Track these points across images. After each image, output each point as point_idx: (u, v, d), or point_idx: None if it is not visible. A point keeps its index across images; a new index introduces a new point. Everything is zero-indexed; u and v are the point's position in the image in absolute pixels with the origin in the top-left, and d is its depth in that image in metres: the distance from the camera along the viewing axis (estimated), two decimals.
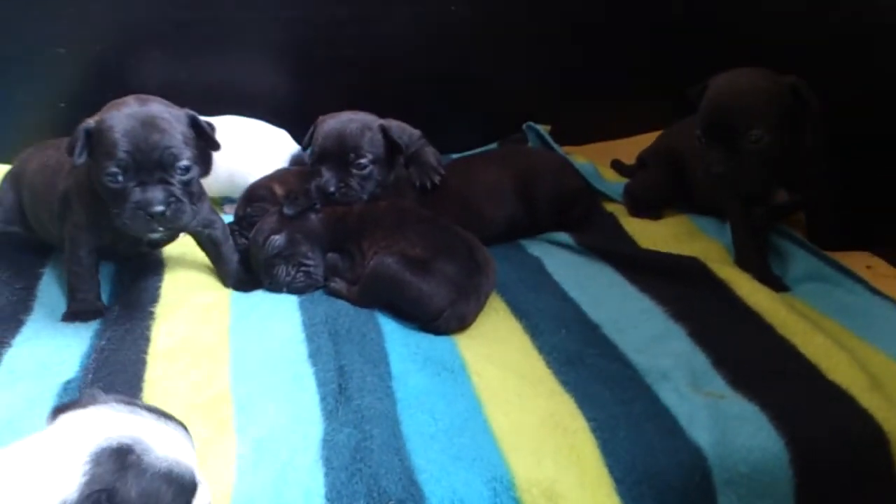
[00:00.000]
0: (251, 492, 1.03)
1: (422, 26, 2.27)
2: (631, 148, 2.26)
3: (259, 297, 1.56)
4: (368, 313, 1.47)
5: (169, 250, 1.68)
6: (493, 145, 2.33)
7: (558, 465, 1.09)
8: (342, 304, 1.50)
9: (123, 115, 1.33)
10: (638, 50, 2.40)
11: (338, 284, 1.56)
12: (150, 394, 1.23)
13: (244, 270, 1.62)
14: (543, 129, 2.22)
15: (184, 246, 1.64)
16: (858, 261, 1.66)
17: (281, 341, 1.39)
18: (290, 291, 1.55)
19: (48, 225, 1.57)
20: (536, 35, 2.35)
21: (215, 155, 1.73)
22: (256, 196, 1.72)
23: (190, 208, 1.37)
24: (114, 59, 2.16)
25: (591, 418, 1.19)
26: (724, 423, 1.16)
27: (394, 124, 1.79)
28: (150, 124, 1.33)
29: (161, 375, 1.28)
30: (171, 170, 1.34)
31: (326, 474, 1.06)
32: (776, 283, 1.57)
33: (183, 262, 1.67)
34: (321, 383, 1.26)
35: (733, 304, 1.49)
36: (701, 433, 1.14)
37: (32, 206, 1.61)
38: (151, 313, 1.47)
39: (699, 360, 1.33)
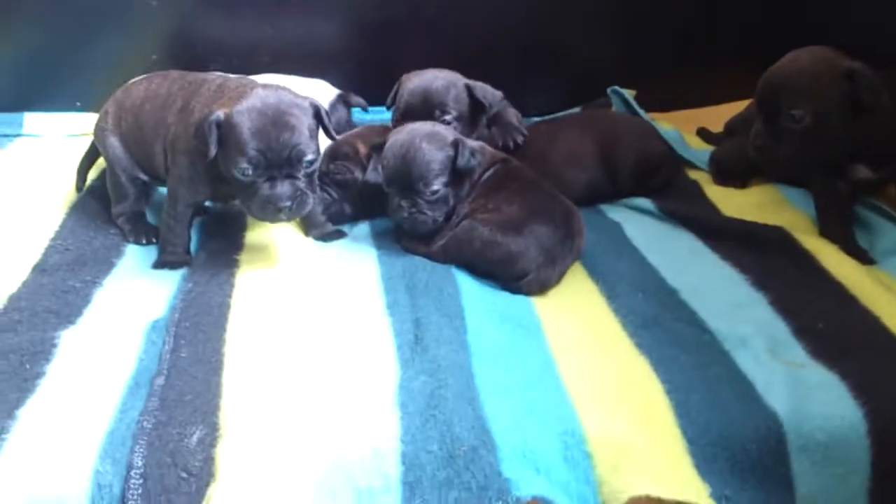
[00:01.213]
0: (330, 429, 1.06)
1: None
2: (717, 116, 2.22)
3: (340, 248, 1.59)
4: (446, 269, 1.49)
5: None
6: (576, 110, 2.32)
7: (630, 423, 1.10)
8: (420, 260, 1.52)
9: (255, 112, 1.37)
10: (727, 18, 2.34)
11: (412, 242, 1.57)
12: (232, 334, 1.28)
13: (327, 222, 1.66)
14: (629, 93, 2.19)
15: None
16: None
17: (359, 292, 1.42)
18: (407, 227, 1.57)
19: (154, 159, 1.59)
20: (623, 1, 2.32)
21: None
22: (340, 153, 1.74)
23: (312, 198, 1.43)
24: (202, 13, 2.22)
25: (665, 380, 1.18)
26: (802, 390, 1.14)
27: (478, 84, 1.80)
28: (281, 123, 1.37)
29: (245, 319, 1.33)
30: (299, 165, 1.39)
31: (402, 418, 1.08)
32: (861, 256, 1.54)
33: None
34: (398, 333, 1.29)
35: (817, 275, 1.46)
36: (778, 399, 1.13)
37: (138, 132, 1.61)
38: (236, 260, 1.52)
39: (779, 328, 1.31)
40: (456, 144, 1.53)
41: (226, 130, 1.37)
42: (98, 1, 2.15)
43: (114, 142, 1.64)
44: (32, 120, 2.18)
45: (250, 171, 1.37)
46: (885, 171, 1.62)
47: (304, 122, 1.40)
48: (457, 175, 1.55)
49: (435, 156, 1.52)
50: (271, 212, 1.40)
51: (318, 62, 2.24)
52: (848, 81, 1.49)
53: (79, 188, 1.80)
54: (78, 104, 2.23)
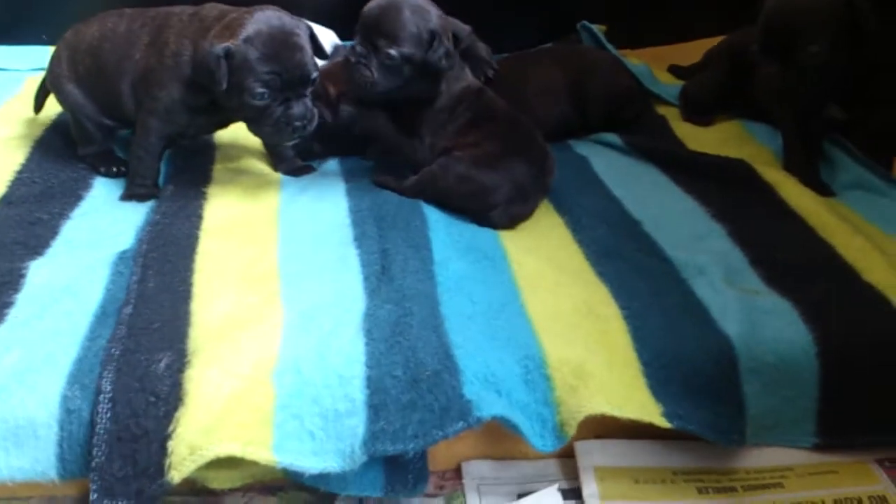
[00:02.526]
0: (296, 355, 1.08)
1: None
2: (688, 53, 2.23)
3: (308, 182, 1.61)
4: (414, 203, 1.50)
5: (220, 134, 1.71)
6: (548, 45, 2.31)
7: (588, 347, 1.13)
8: (389, 194, 1.53)
9: (265, 37, 1.39)
10: None
11: (384, 177, 1.58)
12: (201, 265, 1.29)
13: (296, 157, 1.67)
14: (599, 29, 2.19)
15: (235, 131, 1.66)
16: None
17: (327, 225, 1.44)
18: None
19: (120, 99, 1.56)
20: None
21: None
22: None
23: (316, 113, 1.47)
24: None
25: (624, 307, 1.22)
26: (755, 315, 1.18)
27: (447, 17, 1.79)
28: (291, 44, 1.41)
29: (213, 249, 1.34)
30: (308, 83, 1.43)
31: (367, 344, 1.10)
32: (822, 188, 1.57)
33: (235, 146, 1.72)
34: (365, 264, 1.31)
35: (776, 206, 1.49)
36: (731, 324, 1.16)
37: (98, 74, 1.58)
38: (204, 193, 1.53)
39: (736, 257, 1.35)
40: (433, 35, 1.49)
41: (238, 59, 1.37)
42: None
43: (71, 88, 1.61)
44: None
45: (267, 96, 1.40)
46: (854, 113, 1.64)
47: (307, 41, 1.44)
48: (420, 65, 1.50)
49: (410, 25, 1.47)
50: (287, 132, 1.45)
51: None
52: (847, 9, 1.49)
53: (36, 110, 1.77)
54: (44, 37, 2.19)
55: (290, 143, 1.56)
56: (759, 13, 1.57)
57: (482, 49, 1.84)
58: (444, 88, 1.55)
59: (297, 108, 1.43)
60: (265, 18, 1.40)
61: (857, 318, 1.18)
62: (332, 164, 1.71)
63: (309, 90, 1.45)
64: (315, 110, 1.46)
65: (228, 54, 1.37)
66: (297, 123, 1.43)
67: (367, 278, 1.27)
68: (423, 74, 1.51)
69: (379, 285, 1.25)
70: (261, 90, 1.39)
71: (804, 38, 1.49)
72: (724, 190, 1.55)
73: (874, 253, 1.31)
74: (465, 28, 1.83)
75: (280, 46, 1.39)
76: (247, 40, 1.37)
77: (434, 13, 1.52)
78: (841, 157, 1.66)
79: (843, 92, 1.59)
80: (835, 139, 1.70)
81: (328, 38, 2.03)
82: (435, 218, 1.46)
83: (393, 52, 1.47)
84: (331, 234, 1.41)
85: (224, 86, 1.38)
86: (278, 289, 1.25)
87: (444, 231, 1.43)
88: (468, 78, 1.62)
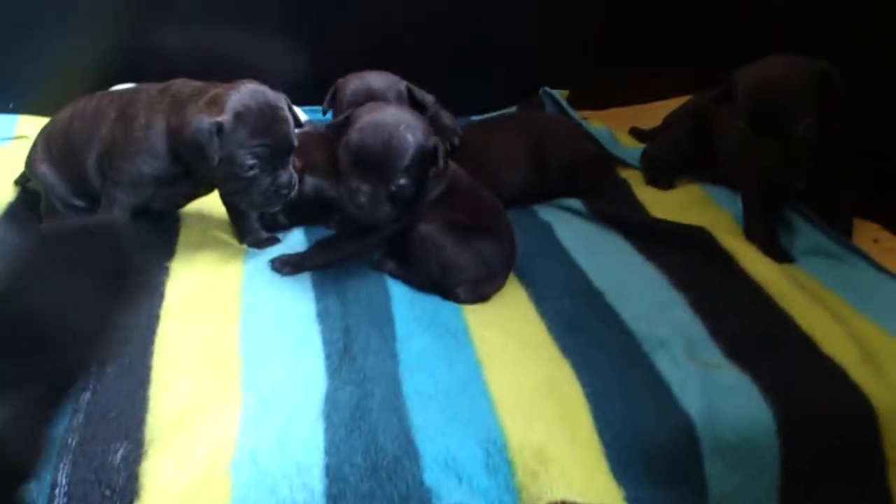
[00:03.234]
0: (255, 444, 1.07)
1: None
2: (651, 114, 2.26)
3: (272, 253, 1.59)
4: (378, 275, 1.51)
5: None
6: (513, 108, 2.34)
7: (550, 429, 1.12)
8: (353, 266, 1.53)
9: (254, 111, 1.42)
10: (663, 14, 2.38)
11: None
12: (161, 347, 1.28)
13: (261, 229, 1.67)
14: (560, 94, 2.23)
15: (200, 202, 1.67)
16: (866, 232, 1.67)
17: (290, 299, 1.43)
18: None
19: (87, 175, 1.58)
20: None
21: None
22: None
23: (297, 178, 1.51)
24: (138, 19, 2.20)
25: (586, 384, 1.22)
26: (715, 392, 1.18)
27: (413, 86, 1.82)
28: (278, 117, 1.46)
29: (173, 330, 1.33)
30: (291, 152, 1.49)
31: (326, 430, 1.09)
32: (782, 254, 1.59)
33: (199, 218, 1.71)
34: (327, 342, 1.31)
35: (736, 275, 1.51)
36: (692, 401, 1.16)
37: (69, 152, 1.59)
38: (167, 268, 1.52)
39: (697, 329, 1.35)
40: (436, 148, 1.45)
41: (226, 134, 1.40)
42: (33, 3, 2.10)
43: (45, 169, 1.62)
44: None
45: (257, 167, 1.43)
46: (813, 180, 1.63)
47: (289, 112, 1.49)
48: (422, 178, 1.46)
49: (414, 147, 1.41)
50: (275, 199, 1.49)
51: (252, 66, 2.23)
52: (824, 80, 1.51)
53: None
54: (10, 106, 2.19)
55: (264, 212, 1.62)
56: (733, 87, 1.58)
57: (447, 117, 1.87)
58: None
59: (283, 177, 1.47)
60: (250, 93, 1.43)
61: (816, 392, 1.19)
62: (297, 234, 1.71)
63: (290, 158, 1.48)
64: (296, 175, 1.50)
65: (219, 129, 1.39)
66: (284, 191, 1.48)
67: (328, 356, 1.27)
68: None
69: (340, 365, 1.25)
70: (251, 162, 1.42)
71: (795, 113, 1.50)
72: (685, 258, 1.56)
73: (832, 323, 1.33)
74: (429, 98, 1.85)
75: (268, 120, 1.43)
76: (237, 115, 1.40)
77: (422, 125, 1.48)
78: (800, 222, 1.68)
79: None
80: (793, 205, 1.71)
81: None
82: (398, 290, 1.46)
83: (403, 181, 1.42)
84: (293, 310, 1.40)
85: (216, 160, 1.40)
86: (238, 371, 1.24)
87: (406, 304, 1.43)
88: None
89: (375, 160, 1.40)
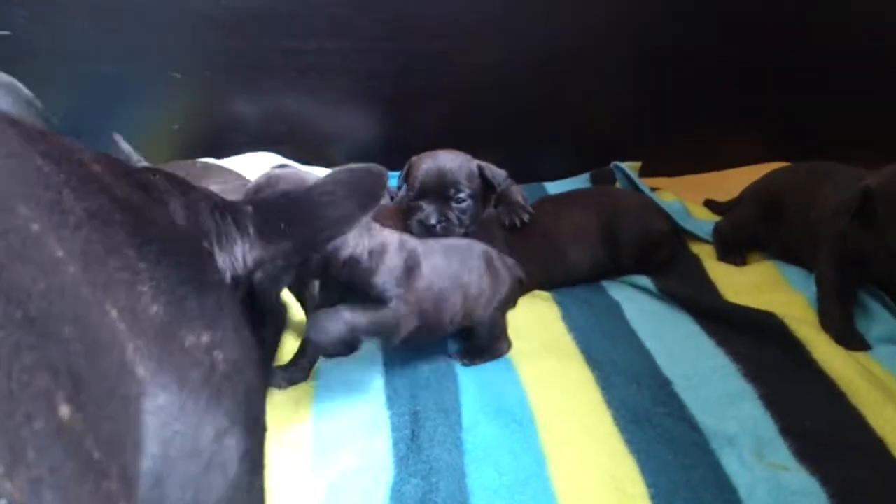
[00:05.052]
0: None
1: (515, 58, 2.31)
2: (726, 182, 2.25)
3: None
4: (448, 362, 1.53)
5: None
6: (586, 175, 2.36)
7: None
8: (423, 351, 1.56)
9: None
10: (740, 84, 2.37)
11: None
12: None
13: None
14: (631, 167, 2.23)
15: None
16: None
17: (362, 382, 1.47)
18: None
19: None
20: (630, 65, 2.36)
21: None
22: None
23: None
24: (222, 85, 2.29)
25: (651, 484, 1.22)
26: (783, 497, 1.17)
27: (486, 164, 1.85)
28: None
29: None
30: None
31: None
32: (857, 342, 1.56)
33: None
34: (395, 428, 1.34)
35: (808, 367, 1.48)
36: None
37: None
38: None
39: (767, 426, 1.34)
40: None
41: None
42: (123, 72, 2.22)
43: None
44: None
45: None
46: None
47: None
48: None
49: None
50: None
51: (335, 135, 2.33)
52: None
53: None
54: None
55: None
56: (870, 202, 1.55)
57: (517, 193, 1.89)
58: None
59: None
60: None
61: (884, 500, 1.17)
62: None
63: None
64: None
65: None
66: None
67: (396, 444, 1.30)
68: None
69: (408, 454, 1.27)
70: None
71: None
72: (756, 346, 1.55)
73: None
74: (502, 172, 1.88)
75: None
76: None
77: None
78: (876, 307, 1.64)
79: None
80: (869, 289, 1.68)
81: (271, 162, 2.11)
82: (466, 377, 1.48)
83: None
84: (365, 394, 1.44)
85: None
86: (308, 456, 1.28)
87: (475, 390, 1.45)
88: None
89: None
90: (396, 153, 1.96)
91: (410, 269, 1.38)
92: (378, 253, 1.34)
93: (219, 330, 0.77)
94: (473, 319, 1.49)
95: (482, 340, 1.53)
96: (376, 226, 1.39)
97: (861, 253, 1.61)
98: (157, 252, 0.75)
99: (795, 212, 1.79)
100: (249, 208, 0.95)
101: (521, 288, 1.62)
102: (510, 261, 1.58)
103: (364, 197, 0.98)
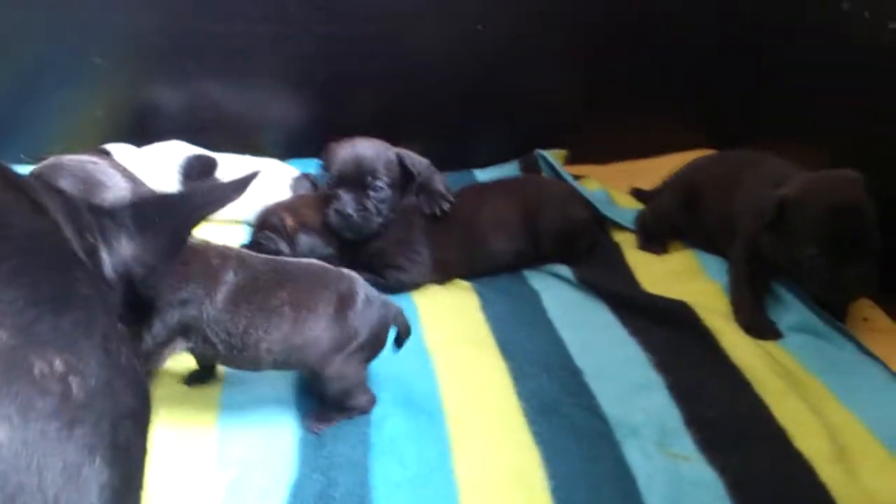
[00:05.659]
0: None
1: (447, 44, 2.29)
2: (655, 169, 2.25)
3: None
4: None
5: None
6: (515, 163, 2.35)
7: None
8: None
9: None
10: (670, 72, 2.38)
11: None
12: None
13: None
14: (554, 155, 2.24)
15: None
16: (857, 310, 1.65)
17: (272, 378, 1.44)
18: None
19: None
20: (563, 52, 2.35)
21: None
22: (268, 224, 1.78)
23: None
24: (147, 73, 2.24)
25: (553, 476, 1.22)
26: (680, 488, 1.18)
27: (407, 153, 1.84)
28: None
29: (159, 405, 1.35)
30: None
31: None
32: (768, 330, 1.58)
33: None
34: (302, 425, 1.33)
35: (716, 356, 1.50)
36: (656, 498, 1.17)
37: None
38: None
39: (672, 416, 1.35)
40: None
41: None
42: (44, 56, 2.16)
43: None
44: None
45: None
46: None
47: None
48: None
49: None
50: None
51: (263, 122, 2.30)
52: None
53: None
54: (22, 156, 2.25)
55: None
56: (786, 211, 1.54)
57: (439, 182, 1.88)
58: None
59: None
60: None
61: (781, 491, 1.19)
62: None
63: None
64: None
65: None
66: None
67: (301, 440, 1.29)
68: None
69: (311, 450, 1.27)
70: None
71: (871, 228, 1.49)
72: (668, 335, 1.56)
73: (807, 415, 1.32)
74: (423, 161, 1.87)
75: None
76: None
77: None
78: (789, 296, 1.66)
79: None
80: (783, 279, 1.70)
81: (288, 173, 2.08)
82: (380, 371, 1.45)
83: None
84: (273, 389, 1.42)
85: None
86: (214, 451, 1.26)
87: (387, 384, 1.43)
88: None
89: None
90: (324, 141, 1.95)
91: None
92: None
93: (77, 352, 0.72)
94: (312, 369, 1.31)
95: (327, 395, 1.33)
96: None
97: (774, 256, 1.62)
98: (11, 271, 0.70)
99: (715, 202, 1.80)
100: (127, 206, 0.94)
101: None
102: (381, 300, 1.37)
103: (237, 183, 0.99)
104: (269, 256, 1.38)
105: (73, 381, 0.70)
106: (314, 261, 1.41)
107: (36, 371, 0.67)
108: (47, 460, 0.65)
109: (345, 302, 1.30)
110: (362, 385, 1.36)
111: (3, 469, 0.62)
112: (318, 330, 1.28)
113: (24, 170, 2.10)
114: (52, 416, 0.67)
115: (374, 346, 1.35)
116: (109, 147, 2.05)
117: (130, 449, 0.77)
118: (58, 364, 0.69)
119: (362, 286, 1.35)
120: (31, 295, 0.71)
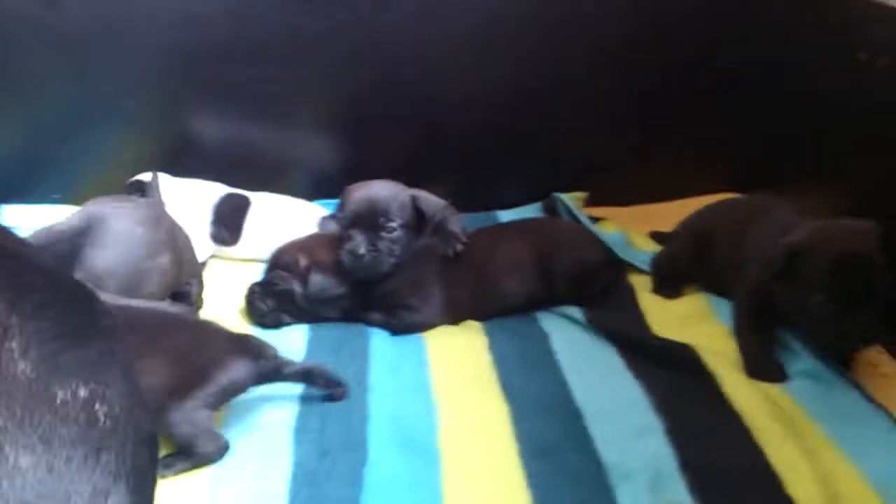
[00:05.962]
0: None
1: (475, 88, 2.33)
2: (678, 211, 2.24)
3: None
4: (363, 389, 1.55)
5: None
6: (538, 205, 2.37)
7: None
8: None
9: None
10: (696, 113, 2.38)
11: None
12: None
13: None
14: (571, 198, 2.25)
15: None
16: (864, 355, 1.62)
17: (272, 412, 1.48)
18: None
19: None
20: (587, 98, 2.36)
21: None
22: (281, 263, 1.82)
23: None
24: (180, 116, 2.31)
25: None
26: None
27: (422, 194, 1.88)
28: None
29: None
30: None
31: None
32: (773, 372, 1.57)
33: None
34: (297, 462, 1.35)
35: (716, 400, 1.49)
36: None
37: None
38: None
39: (668, 460, 1.34)
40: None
41: None
42: (74, 99, 2.23)
43: None
44: (10, 211, 2.27)
45: None
46: None
47: None
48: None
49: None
50: None
51: (295, 162, 2.35)
52: (885, 245, 1.50)
53: None
54: (55, 197, 2.32)
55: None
56: (795, 261, 1.53)
57: (455, 223, 1.90)
58: None
59: None
60: None
61: None
62: (299, 331, 1.78)
63: None
64: None
65: None
66: None
67: (294, 478, 1.31)
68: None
69: (303, 488, 1.29)
70: None
71: (878, 281, 1.47)
72: (671, 378, 1.56)
73: (802, 462, 1.30)
74: (440, 203, 1.91)
75: None
76: None
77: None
78: (795, 345, 1.64)
79: None
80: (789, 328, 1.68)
81: (315, 212, 2.13)
82: (380, 410, 1.49)
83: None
84: (272, 424, 1.45)
85: None
86: (206, 486, 1.30)
87: (385, 421, 1.46)
88: None
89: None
90: (353, 181, 1.98)
91: None
92: None
93: (102, 381, 0.76)
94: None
95: (176, 440, 1.33)
96: None
97: (783, 304, 1.60)
98: (35, 304, 0.74)
99: (724, 249, 1.80)
100: None
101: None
102: (253, 343, 1.44)
103: None
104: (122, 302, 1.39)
105: (100, 409, 0.74)
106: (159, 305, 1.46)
107: (58, 400, 0.70)
108: (75, 486, 0.68)
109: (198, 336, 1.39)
110: (210, 431, 1.36)
111: (29, 496, 0.65)
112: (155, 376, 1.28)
113: (56, 209, 2.23)
114: (78, 442, 0.70)
115: (236, 391, 1.41)
116: (146, 176, 2.09)
117: (147, 474, 0.80)
118: (83, 393, 0.73)
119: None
120: (54, 328, 0.74)
